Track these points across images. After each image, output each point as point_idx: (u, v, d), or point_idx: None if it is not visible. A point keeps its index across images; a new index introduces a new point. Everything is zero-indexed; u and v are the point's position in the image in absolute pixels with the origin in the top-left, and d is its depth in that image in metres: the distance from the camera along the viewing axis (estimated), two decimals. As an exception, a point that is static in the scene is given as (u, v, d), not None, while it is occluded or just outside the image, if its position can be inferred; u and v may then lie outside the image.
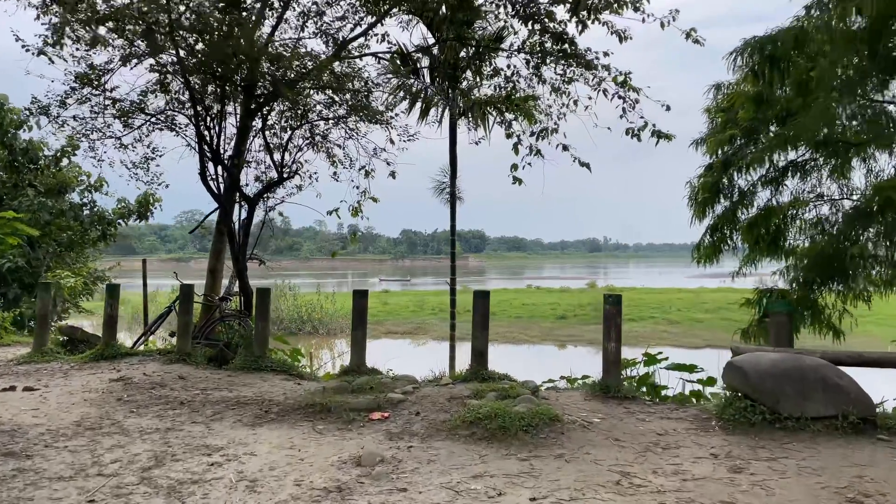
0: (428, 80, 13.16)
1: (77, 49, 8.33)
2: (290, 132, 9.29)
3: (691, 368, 7.81)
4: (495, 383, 6.32)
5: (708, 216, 9.74)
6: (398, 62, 10.08)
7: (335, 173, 10.44)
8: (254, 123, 9.57)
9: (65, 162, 17.08)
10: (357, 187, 10.41)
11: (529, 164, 8.14)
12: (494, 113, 12.39)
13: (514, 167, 8.09)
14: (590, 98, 8.24)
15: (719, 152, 9.48)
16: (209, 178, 8.77)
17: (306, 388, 6.80)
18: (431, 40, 12.32)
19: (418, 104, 13.33)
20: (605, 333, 6.33)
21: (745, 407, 5.24)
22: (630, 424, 5.38)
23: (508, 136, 11.25)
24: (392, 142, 9.98)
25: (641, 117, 7.93)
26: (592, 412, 5.65)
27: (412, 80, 12.90)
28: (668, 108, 7.86)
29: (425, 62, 13.27)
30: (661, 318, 35.28)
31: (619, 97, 8.00)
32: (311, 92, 9.06)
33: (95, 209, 17.43)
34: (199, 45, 8.26)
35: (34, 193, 16.11)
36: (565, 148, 8.16)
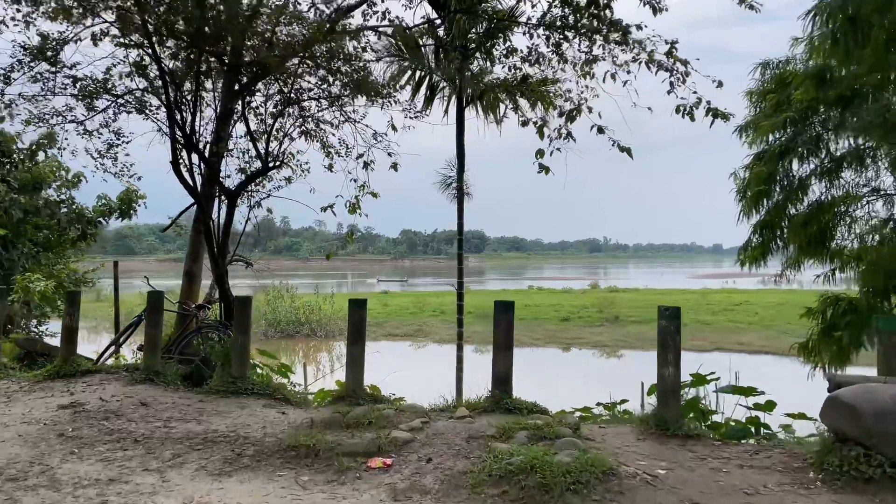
0: (433, 63, 11.94)
1: (18, 10, 7.11)
2: (277, 113, 8.04)
3: (749, 391, 6.61)
4: (524, 418, 5.10)
5: (757, 212, 8.54)
6: (402, 34, 8.85)
7: (330, 165, 9.23)
8: (237, 107, 8.36)
9: (41, 156, 15.83)
10: (354, 180, 9.21)
11: (559, 149, 6.94)
12: (507, 100, 11.21)
13: (540, 153, 6.87)
14: (629, 73, 7.02)
15: (770, 138, 8.29)
16: (182, 168, 7.53)
17: (291, 421, 5.58)
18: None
19: (422, 90, 12.13)
20: (660, 356, 5.12)
21: (855, 456, 4.04)
22: (705, 477, 4.17)
23: (524, 123, 10.05)
24: (394, 128, 8.77)
25: (695, 92, 6.73)
26: (653, 459, 4.44)
27: (416, 63, 11.69)
28: (721, 85, 6.68)
29: (430, 45, 12.09)
30: (668, 320, 34.31)
31: (666, 69, 6.80)
32: (303, 68, 7.85)
33: (74, 207, 16.20)
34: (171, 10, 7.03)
35: (6, 189, 14.86)
36: (601, 130, 6.94)
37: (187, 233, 8.89)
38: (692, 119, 6.63)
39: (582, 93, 8.91)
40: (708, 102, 6.64)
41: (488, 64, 11.53)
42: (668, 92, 6.72)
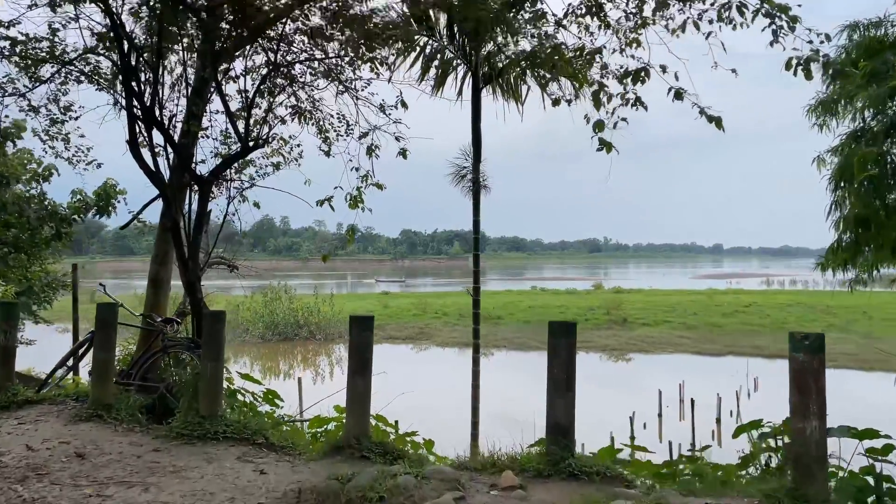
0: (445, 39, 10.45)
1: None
2: (261, 81, 6.48)
3: (870, 434, 5.12)
4: (599, 488, 3.61)
5: (856, 203, 7.04)
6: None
7: (328, 151, 7.70)
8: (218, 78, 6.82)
9: (10, 148, 14.30)
10: (356, 169, 7.71)
11: (624, 119, 5.39)
12: (533, 76, 9.72)
13: (600, 126, 5.31)
14: (712, 22, 5.50)
15: (866, 114, 6.82)
16: (144, 148, 6.02)
17: (271, 487, 4.07)
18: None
19: (433, 70, 10.63)
20: (795, 405, 3.61)
21: None
22: None
23: (555, 102, 8.61)
24: (404, 104, 7.25)
25: (809, 42, 5.22)
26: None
27: (426, 34, 10.18)
28: (828, 39, 5.22)
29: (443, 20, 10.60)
30: (678, 323, 33.07)
31: (767, 15, 5.29)
32: (296, 26, 6.34)
33: (46, 203, 14.69)
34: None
35: (-32, 185, 13.34)
36: (678, 96, 5.39)
37: (149, 230, 7.42)
38: (808, 76, 5.15)
39: (621, 67, 7.43)
40: (826, 56, 5.17)
41: (509, 37, 10.06)
42: (772, 43, 5.23)
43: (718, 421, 15.81)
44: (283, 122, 7.70)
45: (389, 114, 6.92)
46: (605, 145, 5.17)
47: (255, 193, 7.70)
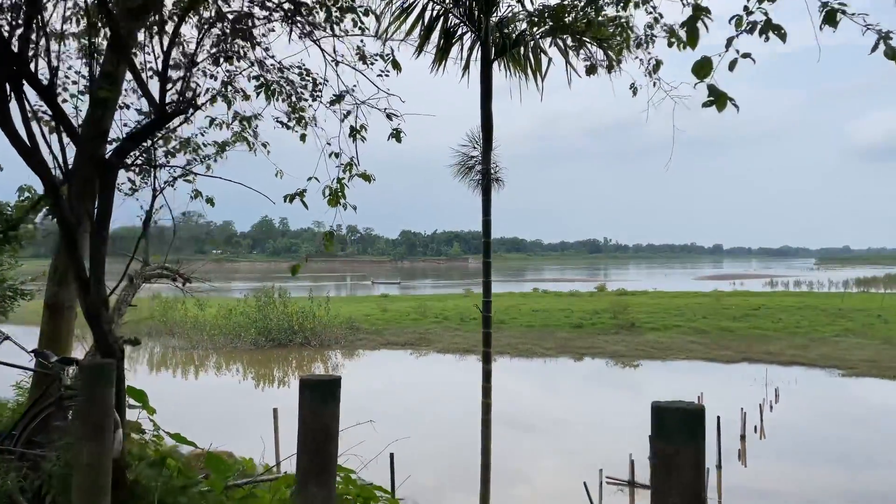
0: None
1: None
2: (181, 11, 4.54)
3: None
4: None
5: None
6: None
7: (285, 123, 5.80)
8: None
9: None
10: (336, 154, 5.84)
11: (749, 56, 3.34)
12: (554, 47, 7.86)
13: (705, 68, 3.15)
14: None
15: None
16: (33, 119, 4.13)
17: None
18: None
19: (435, 37, 8.74)
20: None
21: None
22: None
23: (591, 70, 6.79)
24: (396, 64, 5.34)
25: None
26: None
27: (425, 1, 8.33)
28: None
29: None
30: (687, 327, 31.29)
31: None
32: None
33: (-9, 202, 12.86)
34: None
35: None
36: (830, 19, 3.29)
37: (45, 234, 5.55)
38: None
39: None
40: None
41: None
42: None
43: (743, 438, 14.07)
44: (247, 97, 5.88)
45: (372, 63, 4.97)
46: (719, 96, 3.15)
47: (212, 187, 5.85)
